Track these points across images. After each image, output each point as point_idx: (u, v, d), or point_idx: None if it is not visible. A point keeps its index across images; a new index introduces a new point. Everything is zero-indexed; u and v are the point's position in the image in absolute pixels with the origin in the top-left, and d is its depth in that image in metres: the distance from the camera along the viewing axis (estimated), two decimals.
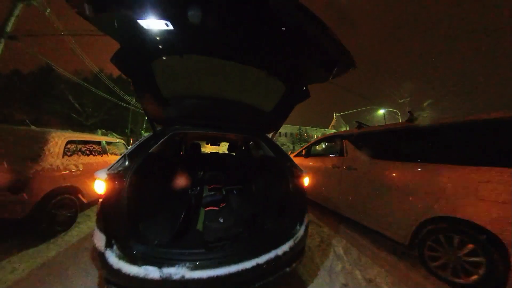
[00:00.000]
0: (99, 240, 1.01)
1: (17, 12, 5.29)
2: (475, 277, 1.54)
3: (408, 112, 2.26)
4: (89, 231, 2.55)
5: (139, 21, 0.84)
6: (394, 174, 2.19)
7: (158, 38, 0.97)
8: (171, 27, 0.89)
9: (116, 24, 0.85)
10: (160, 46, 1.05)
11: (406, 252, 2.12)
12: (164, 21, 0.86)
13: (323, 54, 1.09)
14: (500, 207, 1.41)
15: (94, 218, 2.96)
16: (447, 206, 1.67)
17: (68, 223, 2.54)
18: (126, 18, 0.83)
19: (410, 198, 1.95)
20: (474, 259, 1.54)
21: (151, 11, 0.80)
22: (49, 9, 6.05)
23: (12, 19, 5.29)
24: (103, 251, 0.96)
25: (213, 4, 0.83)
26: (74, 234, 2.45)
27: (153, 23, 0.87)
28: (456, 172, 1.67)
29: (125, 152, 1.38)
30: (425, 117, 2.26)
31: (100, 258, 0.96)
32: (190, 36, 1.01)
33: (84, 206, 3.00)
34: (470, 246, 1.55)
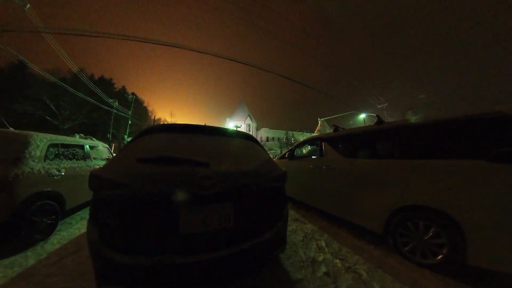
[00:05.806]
0: (93, 234, 1.07)
1: None
2: (440, 256, 1.73)
3: (377, 115, 2.54)
4: (71, 238, 2.46)
5: None
6: (365, 171, 2.40)
7: None
8: None
9: None
10: None
11: (382, 240, 2.31)
12: None
13: None
14: (455, 194, 1.63)
15: (75, 225, 2.88)
16: (412, 196, 1.89)
17: (48, 231, 2.42)
18: None
19: (381, 192, 2.16)
20: (438, 240, 1.74)
21: None
22: (29, 5, 5.68)
23: None
24: (97, 243, 1.02)
25: None
26: (54, 242, 2.33)
27: None
28: (417, 165, 1.90)
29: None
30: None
31: (94, 249, 1.01)
32: None
33: (66, 213, 2.87)
34: (434, 229, 1.75)
